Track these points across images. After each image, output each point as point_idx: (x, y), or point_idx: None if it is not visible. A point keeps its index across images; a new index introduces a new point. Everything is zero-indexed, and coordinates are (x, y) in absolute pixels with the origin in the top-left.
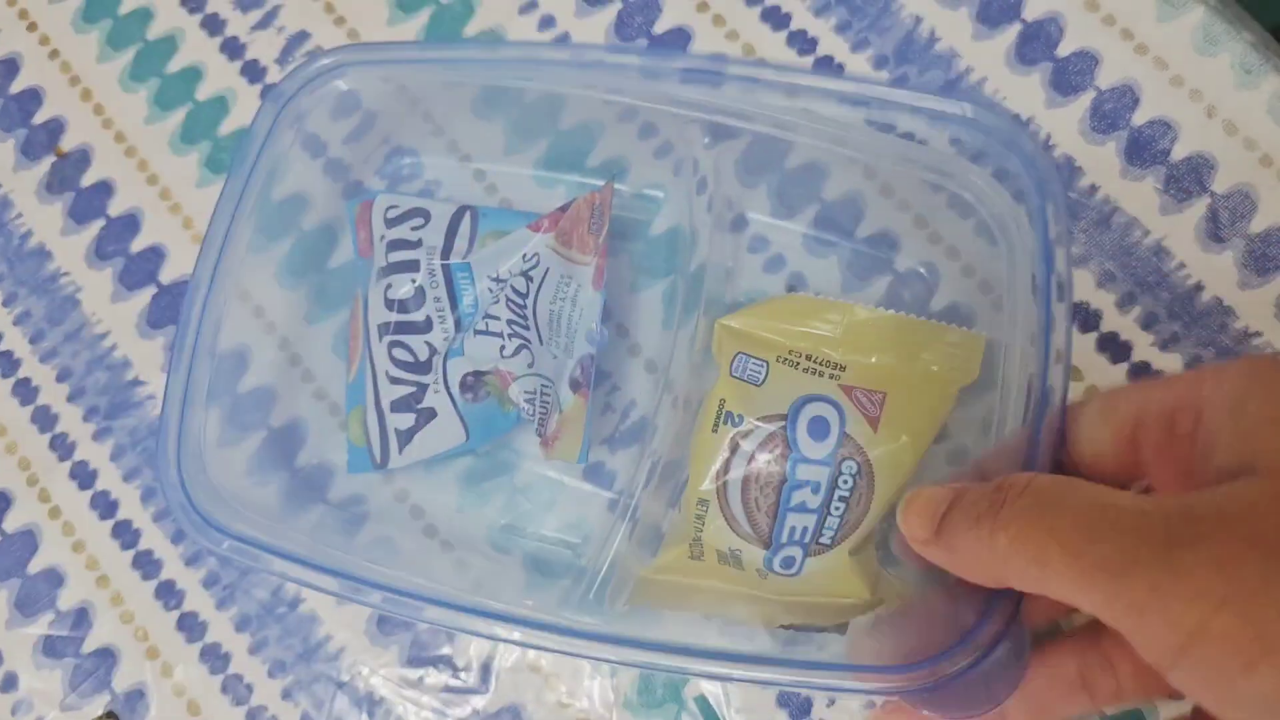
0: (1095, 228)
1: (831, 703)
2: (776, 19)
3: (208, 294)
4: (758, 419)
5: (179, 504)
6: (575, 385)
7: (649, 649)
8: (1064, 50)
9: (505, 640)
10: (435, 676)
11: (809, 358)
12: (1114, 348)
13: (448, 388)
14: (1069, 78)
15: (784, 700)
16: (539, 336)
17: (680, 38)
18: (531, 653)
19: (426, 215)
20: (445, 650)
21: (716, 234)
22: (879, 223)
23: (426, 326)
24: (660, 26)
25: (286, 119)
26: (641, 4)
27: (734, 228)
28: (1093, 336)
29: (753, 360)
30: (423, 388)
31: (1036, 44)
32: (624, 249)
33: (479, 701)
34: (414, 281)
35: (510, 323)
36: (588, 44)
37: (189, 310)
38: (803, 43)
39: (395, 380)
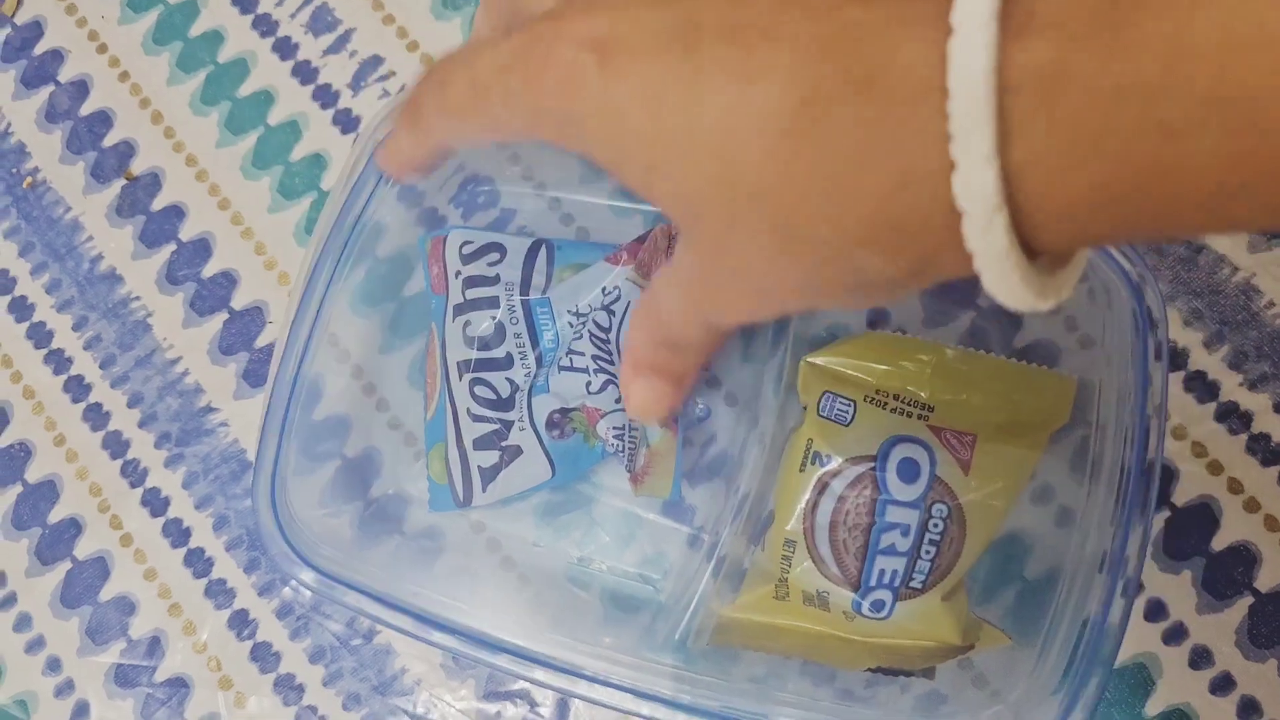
0: (1181, 265)
1: None
2: None
3: (304, 351)
4: (846, 460)
5: (268, 530)
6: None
7: None
8: None
9: (581, 697)
10: (512, 711)
11: (896, 397)
12: (1201, 387)
13: (533, 425)
14: None
15: None
16: None
17: None
18: None
19: (502, 250)
20: (522, 685)
21: None
22: None
23: (508, 363)
24: None
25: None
26: None
27: None
28: (1179, 375)
29: (840, 399)
30: (507, 425)
31: None
32: None
33: None
34: (494, 318)
35: (595, 358)
36: None
37: (286, 364)
38: None
39: (478, 418)
